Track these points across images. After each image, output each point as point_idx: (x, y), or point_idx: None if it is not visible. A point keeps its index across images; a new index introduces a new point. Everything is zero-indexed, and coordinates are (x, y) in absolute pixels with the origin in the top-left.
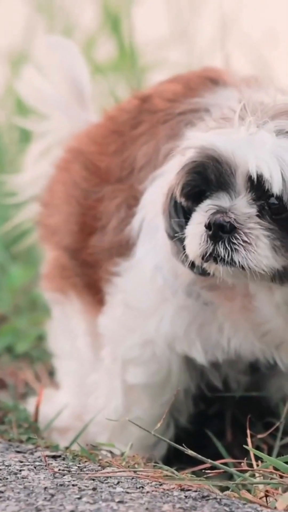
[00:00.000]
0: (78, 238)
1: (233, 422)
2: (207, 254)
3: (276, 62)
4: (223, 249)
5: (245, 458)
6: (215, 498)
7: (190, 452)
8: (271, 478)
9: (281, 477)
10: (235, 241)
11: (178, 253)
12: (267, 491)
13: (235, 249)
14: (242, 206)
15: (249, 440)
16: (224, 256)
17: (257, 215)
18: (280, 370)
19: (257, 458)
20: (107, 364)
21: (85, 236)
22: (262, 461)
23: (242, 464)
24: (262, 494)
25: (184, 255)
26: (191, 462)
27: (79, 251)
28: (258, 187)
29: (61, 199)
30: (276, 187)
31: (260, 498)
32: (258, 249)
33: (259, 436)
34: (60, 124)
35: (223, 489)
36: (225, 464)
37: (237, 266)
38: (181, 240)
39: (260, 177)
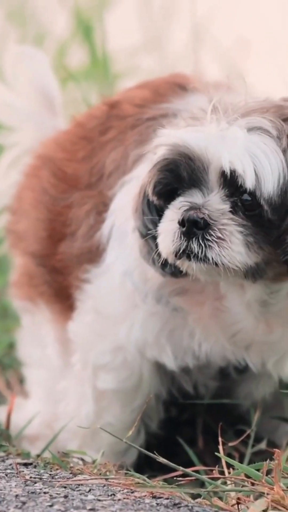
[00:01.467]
0: (47, 245)
1: (204, 429)
2: (181, 251)
3: (247, 69)
4: (197, 245)
5: (217, 466)
6: (187, 506)
7: (161, 459)
8: (243, 486)
9: (252, 484)
10: (209, 238)
11: (150, 252)
12: (238, 498)
13: (209, 245)
14: (215, 202)
15: (220, 447)
16: (198, 252)
17: (230, 211)
18: (249, 376)
19: (229, 465)
20: (77, 371)
21: (54, 243)
22: (233, 469)
23: (213, 471)
24: (234, 501)
25: (156, 254)
26: (162, 470)
27: (47, 257)
28: (231, 183)
29: (29, 205)
30: (249, 183)
31: (232, 506)
32: (232, 245)
33: (231, 443)
34: (30, 135)
35: (194, 496)
36: (197, 471)
37: (211, 263)
38: (154, 238)
39: (233, 172)
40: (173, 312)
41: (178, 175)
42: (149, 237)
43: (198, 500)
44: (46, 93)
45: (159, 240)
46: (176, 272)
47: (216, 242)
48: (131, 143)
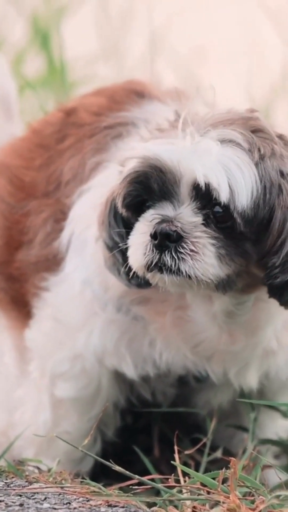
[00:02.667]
0: (4, 252)
1: (160, 437)
2: (153, 264)
3: (204, 77)
4: (170, 258)
5: (173, 474)
6: None
7: (117, 468)
8: (199, 494)
9: (208, 493)
10: (182, 250)
11: (115, 264)
12: (194, 507)
13: (182, 258)
14: (187, 215)
15: (176, 456)
16: (171, 265)
17: (203, 224)
18: (208, 385)
19: (185, 474)
20: (35, 379)
21: (11, 250)
22: (189, 477)
23: (169, 480)
24: (190, 510)
25: (125, 266)
26: (118, 478)
27: (4, 265)
28: (203, 196)
29: None
30: (223, 196)
31: None
32: (205, 257)
33: (187, 452)
34: None
35: (150, 505)
36: (153, 480)
37: (184, 276)
38: (122, 251)
39: (207, 186)
40: (133, 321)
41: (149, 187)
42: (116, 250)
43: (154, 508)
44: (3, 98)
45: (129, 253)
46: (142, 284)
47: (189, 255)
48: (89, 151)
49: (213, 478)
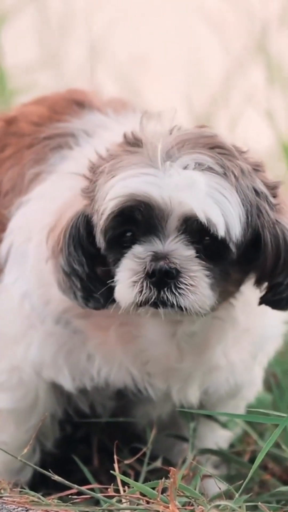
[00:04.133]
0: None
1: (100, 447)
2: (151, 301)
3: (144, 85)
4: (170, 295)
5: (112, 484)
6: None
7: (56, 477)
8: (138, 504)
9: (147, 502)
10: (181, 286)
11: (72, 288)
12: None
13: (182, 294)
14: (180, 249)
15: (116, 465)
16: (172, 302)
17: (197, 256)
18: (146, 397)
19: (124, 483)
20: None
21: None
22: (128, 487)
23: (108, 489)
24: None
25: (83, 291)
26: (57, 488)
27: None
28: (195, 230)
29: None
30: (221, 230)
31: None
32: (202, 290)
33: (126, 461)
34: None
35: None
36: (92, 489)
37: (180, 309)
38: (80, 277)
39: (207, 221)
40: (72, 334)
41: (133, 223)
42: (74, 276)
43: None
44: None
45: (118, 289)
46: (100, 306)
47: (188, 289)
48: (28, 162)
49: (153, 488)
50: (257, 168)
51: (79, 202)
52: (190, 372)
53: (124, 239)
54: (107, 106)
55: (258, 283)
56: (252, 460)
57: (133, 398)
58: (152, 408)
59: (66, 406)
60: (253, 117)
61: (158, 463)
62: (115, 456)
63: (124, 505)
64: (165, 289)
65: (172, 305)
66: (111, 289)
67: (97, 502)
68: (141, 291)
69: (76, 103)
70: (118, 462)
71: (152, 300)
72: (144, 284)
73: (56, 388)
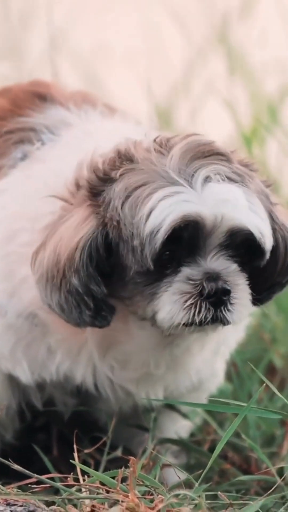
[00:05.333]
0: None
1: (60, 436)
2: (207, 320)
3: (105, 77)
4: (225, 312)
5: (72, 473)
6: None
7: (16, 466)
8: (98, 493)
9: (107, 492)
10: (233, 301)
11: (79, 307)
12: (93, 506)
13: (234, 309)
14: (225, 264)
15: (75, 454)
16: (226, 318)
17: (239, 270)
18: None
19: (84, 473)
20: None
21: None
22: (88, 476)
23: (68, 479)
24: (89, 509)
25: (94, 311)
26: (17, 477)
27: None
28: (239, 243)
29: None
30: (268, 243)
31: None
32: (247, 302)
33: (86, 451)
34: None
35: (49, 503)
36: (52, 478)
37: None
38: (95, 297)
39: (257, 232)
40: (33, 327)
41: (177, 243)
42: (87, 295)
43: (53, 507)
44: None
45: (164, 311)
46: (107, 323)
47: (239, 304)
48: None
49: (113, 477)
50: (252, 168)
51: (79, 220)
52: (163, 377)
53: (163, 259)
54: (68, 100)
55: (260, 285)
56: (211, 450)
57: (95, 393)
58: (114, 401)
59: (20, 399)
60: (213, 106)
61: (118, 453)
62: (75, 446)
63: (84, 494)
64: (222, 307)
65: (227, 322)
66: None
67: (56, 491)
68: (199, 312)
69: (38, 97)
70: (78, 451)
71: (209, 319)
72: (203, 305)
73: (12, 381)
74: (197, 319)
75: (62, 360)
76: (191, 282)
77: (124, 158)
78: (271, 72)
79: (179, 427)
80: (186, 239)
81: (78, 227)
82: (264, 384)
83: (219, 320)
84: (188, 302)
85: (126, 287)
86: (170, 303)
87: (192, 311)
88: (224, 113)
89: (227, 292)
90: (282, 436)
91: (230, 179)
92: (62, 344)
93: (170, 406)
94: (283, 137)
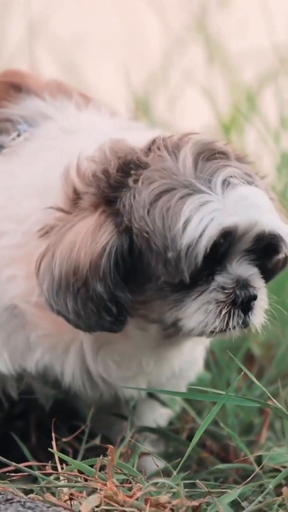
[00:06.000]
0: None
1: (38, 425)
2: (237, 326)
3: (84, 65)
4: (253, 317)
5: (50, 461)
6: (19, 501)
7: None
8: (76, 481)
9: (85, 480)
10: (257, 305)
11: (98, 313)
12: (71, 494)
13: (259, 313)
14: (249, 269)
15: (54, 443)
16: (253, 323)
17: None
18: None
19: (62, 461)
20: None
21: None
22: (67, 464)
23: (46, 467)
24: (67, 497)
25: (115, 316)
26: None
27: None
28: (263, 247)
29: None
30: None
31: (65, 501)
32: (265, 303)
33: (64, 439)
34: None
35: (27, 492)
36: (30, 467)
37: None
38: (118, 303)
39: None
40: (12, 317)
41: (216, 254)
42: (110, 302)
43: (31, 495)
44: None
45: (196, 320)
46: (122, 328)
47: (261, 307)
48: None
49: (91, 466)
50: (248, 162)
51: (93, 227)
52: (150, 372)
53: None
54: (43, 89)
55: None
56: (190, 438)
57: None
58: (94, 394)
59: None
60: (192, 95)
61: (96, 441)
62: (53, 434)
63: (62, 483)
64: (250, 312)
65: (253, 326)
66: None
67: (35, 480)
68: (232, 320)
69: (13, 87)
70: (56, 439)
71: (240, 325)
72: (236, 313)
73: None
74: (230, 327)
75: (43, 356)
76: (225, 290)
77: (133, 164)
78: (250, 61)
79: (158, 415)
80: (222, 249)
81: (94, 234)
82: (243, 373)
83: (247, 324)
84: (224, 311)
85: (144, 292)
86: (204, 312)
87: (226, 319)
88: (203, 101)
89: (255, 298)
90: (261, 424)
91: (247, 182)
92: (44, 340)
93: (150, 395)
94: (262, 126)
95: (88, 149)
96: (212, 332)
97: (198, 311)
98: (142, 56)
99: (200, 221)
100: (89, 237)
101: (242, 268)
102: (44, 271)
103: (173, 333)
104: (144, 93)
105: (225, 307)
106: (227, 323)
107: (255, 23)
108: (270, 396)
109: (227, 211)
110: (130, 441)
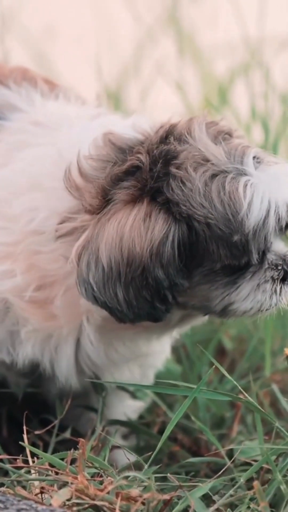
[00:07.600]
0: None
1: (9, 418)
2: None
3: (55, 56)
4: None
5: (21, 455)
6: None
7: None
8: (47, 475)
9: (56, 473)
10: None
11: (152, 303)
12: (42, 487)
13: None
14: (284, 246)
15: (25, 436)
16: None
17: None
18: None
19: (33, 454)
20: None
21: None
22: (38, 458)
23: (17, 460)
24: (38, 490)
25: (167, 304)
26: None
27: None
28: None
29: None
30: None
31: (36, 495)
32: None
33: (36, 432)
34: None
35: None
36: (0, 460)
37: None
38: (176, 291)
39: None
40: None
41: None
42: (167, 289)
43: (1, 489)
44: None
45: (253, 300)
46: (166, 317)
47: None
48: None
49: (62, 459)
50: (241, 136)
51: (142, 217)
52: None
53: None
54: (8, 77)
55: None
56: (161, 432)
57: (50, 372)
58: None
59: None
60: (163, 87)
61: (67, 434)
62: (24, 427)
63: (33, 476)
64: None
65: None
66: None
67: (6, 473)
68: (285, 296)
69: None
70: (28, 433)
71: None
72: (285, 289)
73: None
74: (282, 303)
75: (33, 349)
76: (278, 268)
77: (168, 154)
78: (221, 54)
79: (128, 407)
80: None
81: (147, 224)
82: (214, 366)
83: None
84: (278, 289)
85: (191, 278)
86: (261, 291)
87: (279, 296)
88: (174, 94)
89: None
90: (232, 418)
91: (270, 159)
92: (34, 334)
93: (118, 386)
94: (233, 118)
95: (74, 143)
96: (266, 310)
97: (255, 291)
98: (113, 48)
99: (261, 202)
100: (141, 227)
101: (279, 244)
102: (87, 263)
103: (186, 318)
104: (116, 85)
105: (278, 285)
106: (280, 301)
107: (226, 16)
108: (242, 390)
109: (275, 189)
110: (101, 434)
